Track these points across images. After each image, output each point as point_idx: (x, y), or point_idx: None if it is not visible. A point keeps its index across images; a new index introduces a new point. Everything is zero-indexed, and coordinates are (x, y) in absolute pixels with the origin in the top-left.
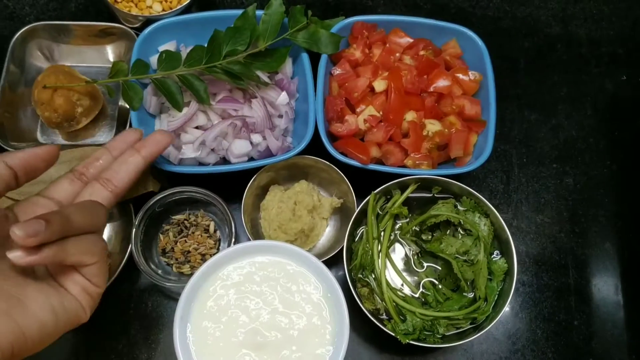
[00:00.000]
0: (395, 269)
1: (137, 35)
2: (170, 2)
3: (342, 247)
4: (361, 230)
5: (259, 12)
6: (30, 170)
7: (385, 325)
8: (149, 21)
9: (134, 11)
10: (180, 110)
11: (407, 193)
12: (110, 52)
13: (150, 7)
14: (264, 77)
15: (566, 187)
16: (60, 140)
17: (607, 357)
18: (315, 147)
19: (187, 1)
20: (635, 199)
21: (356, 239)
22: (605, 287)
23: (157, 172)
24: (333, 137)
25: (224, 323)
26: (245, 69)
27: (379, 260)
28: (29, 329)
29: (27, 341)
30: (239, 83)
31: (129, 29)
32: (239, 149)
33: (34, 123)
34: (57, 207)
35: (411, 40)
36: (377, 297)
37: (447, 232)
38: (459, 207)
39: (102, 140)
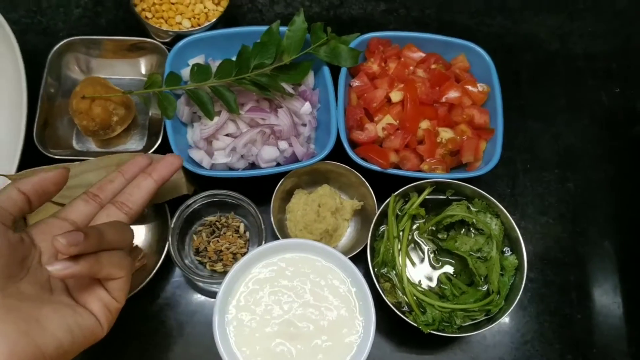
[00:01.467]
0: (414, 265)
1: (167, 49)
2: (198, 19)
3: (365, 245)
4: (382, 229)
5: (282, 29)
6: (42, 194)
7: (407, 317)
8: (178, 36)
9: (165, 27)
10: (212, 119)
11: (423, 195)
12: (141, 65)
13: (180, 23)
14: (288, 88)
15: (567, 191)
16: (93, 147)
17: (608, 348)
18: (335, 153)
19: (215, 18)
20: (631, 201)
21: (377, 238)
22: (605, 282)
23: (190, 176)
24: (353, 144)
25: (259, 315)
26: (272, 81)
27: (400, 258)
28: (47, 349)
29: None
30: (265, 93)
31: (159, 43)
32: (268, 155)
33: (69, 131)
34: (73, 227)
35: (423, 55)
36: (399, 292)
37: (462, 232)
38: (471, 208)
39: (133, 147)
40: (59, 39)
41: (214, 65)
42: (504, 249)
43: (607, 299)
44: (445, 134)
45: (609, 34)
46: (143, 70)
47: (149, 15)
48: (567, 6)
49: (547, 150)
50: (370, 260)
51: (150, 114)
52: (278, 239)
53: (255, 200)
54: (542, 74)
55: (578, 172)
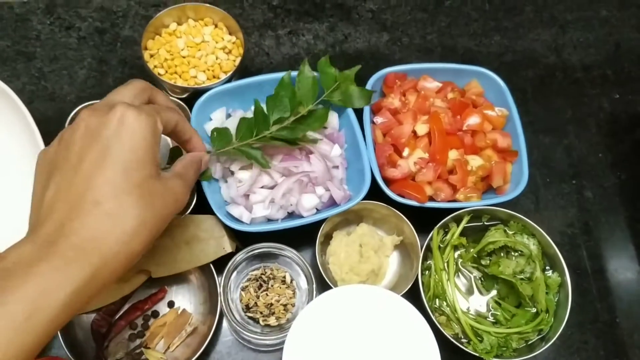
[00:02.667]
0: (461, 294)
1: (183, 103)
2: (213, 71)
3: (414, 281)
4: (426, 263)
5: (294, 74)
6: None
7: (466, 347)
8: (196, 91)
9: (180, 82)
10: (268, 167)
11: (462, 224)
12: None
13: (195, 77)
14: (313, 135)
15: (587, 200)
16: None
17: None
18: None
19: (230, 70)
20: None
21: (423, 272)
22: (635, 284)
23: (232, 232)
24: (385, 181)
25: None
26: (293, 133)
27: (449, 289)
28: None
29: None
30: (293, 146)
31: (178, 100)
32: (308, 203)
33: None
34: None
35: (439, 85)
36: (454, 323)
37: (501, 255)
38: (507, 231)
39: None
40: (68, 103)
41: (235, 115)
42: (544, 267)
43: (637, 297)
44: (474, 161)
45: (599, 42)
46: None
47: (161, 71)
48: (557, 19)
49: (562, 163)
50: (424, 296)
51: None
52: (325, 284)
53: (294, 247)
54: (545, 87)
55: (593, 180)
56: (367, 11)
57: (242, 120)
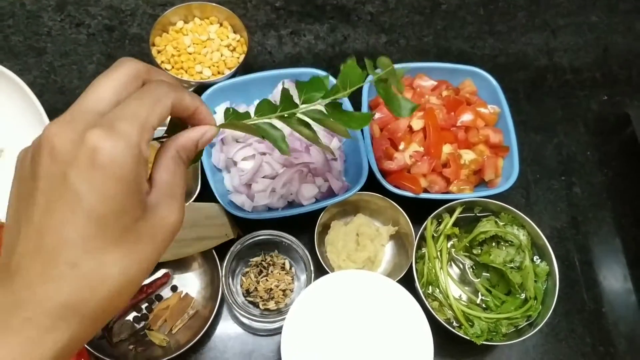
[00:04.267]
0: (454, 281)
1: None
2: (218, 67)
3: (408, 269)
4: (420, 252)
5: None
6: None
7: (458, 332)
8: (201, 86)
9: (186, 77)
10: (288, 154)
11: (455, 215)
12: None
13: (201, 72)
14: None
15: (575, 196)
16: None
17: (635, 337)
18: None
19: (235, 66)
20: (633, 199)
21: (417, 260)
22: (620, 276)
23: (234, 220)
24: (382, 173)
25: (322, 347)
26: (325, 118)
27: (442, 276)
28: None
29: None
30: (315, 139)
31: None
32: (308, 193)
33: None
34: None
35: (434, 83)
36: (446, 309)
37: (492, 245)
38: (498, 222)
39: None
40: (77, 96)
41: (238, 108)
42: (533, 257)
43: (621, 291)
44: (467, 155)
45: (589, 46)
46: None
47: (168, 67)
48: (549, 24)
49: (551, 160)
50: (418, 282)
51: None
52: (323, 271)
53: (293, 236)
54: (537, 88)
55: (582, 177)
56: (366, 13)
57: (263, 100)
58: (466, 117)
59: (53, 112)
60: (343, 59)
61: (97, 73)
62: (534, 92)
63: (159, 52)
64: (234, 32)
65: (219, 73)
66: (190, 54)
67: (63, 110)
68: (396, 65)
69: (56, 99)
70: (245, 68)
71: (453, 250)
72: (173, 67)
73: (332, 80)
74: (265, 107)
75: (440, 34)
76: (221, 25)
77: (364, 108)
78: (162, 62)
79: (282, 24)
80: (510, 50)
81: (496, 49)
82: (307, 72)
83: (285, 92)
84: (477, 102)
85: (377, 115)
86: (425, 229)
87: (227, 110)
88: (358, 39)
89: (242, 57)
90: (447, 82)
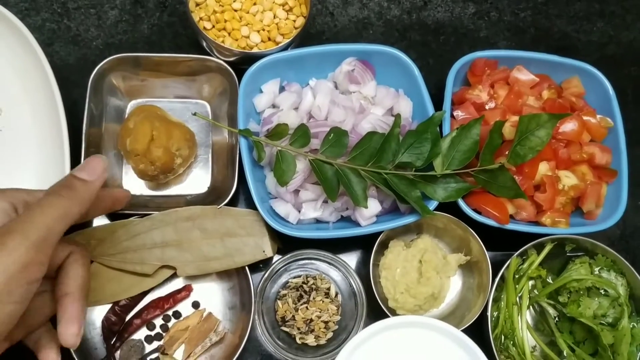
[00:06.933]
0: (530, 330)
1: (229, 68)
2: (269, 32)
3: (481, 313)
4: (494, 294)
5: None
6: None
7: None
8: (246, 57)
9: (228, 42)
10: (334, 200)
11: (544, 253)
12: (201, 87)
13: (247, 37)
14: None
15: None
16: (145, 190)
17: None
18: None
19: (292, 35)
20: None
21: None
22: None
23: (274, 232)
24: None
25: None
26: (410, 189)
27: (520, 328)
28: None
29: None
30: (401, 200)
31: (226, 65)
32: (370, 211)
33: (117, 170)
34: None
35: (535, 79)
36: None
37: (581, 292)
38: (592, 265)
39: (193, 189)
40: (93, 49)
41: (290, 89)
42: (632, 313)
43: None
44: (568, 180)
45: None
46: (197, 92)
47: (207, 25)
48: None
49: None
50: (492, 334)
51: (211, 142)
52: (374, 301)
53: (343, 252)
54: None
55: None
56: None
57: (367, 135)
58: (569, 127)
59: (63, 66)
60: (420, 31)
61: (119, 22)
62: None
63: (197, 4)
64: None
65: (269, 40)
66: (235, 11)
67: (75, 66)
68: (490, 52)
69: (68, 51)
70: (302, 35)
71: (534, 295)
72: (214, 26)
73: (406, 59)
74: (362, 148)
75: (541, 10)
76: None
77: (447, 104)
78: (201, 18)
79: None
80: (622, 38)
81: (606, 35)
82: (378, 49)
83: (389, 141)
84: (584, 109)
85: (460, 115)
86: (507, 268)
87: (296, 131)
88: (441, 5)
89: (300, 20)
90: (549, 79)
